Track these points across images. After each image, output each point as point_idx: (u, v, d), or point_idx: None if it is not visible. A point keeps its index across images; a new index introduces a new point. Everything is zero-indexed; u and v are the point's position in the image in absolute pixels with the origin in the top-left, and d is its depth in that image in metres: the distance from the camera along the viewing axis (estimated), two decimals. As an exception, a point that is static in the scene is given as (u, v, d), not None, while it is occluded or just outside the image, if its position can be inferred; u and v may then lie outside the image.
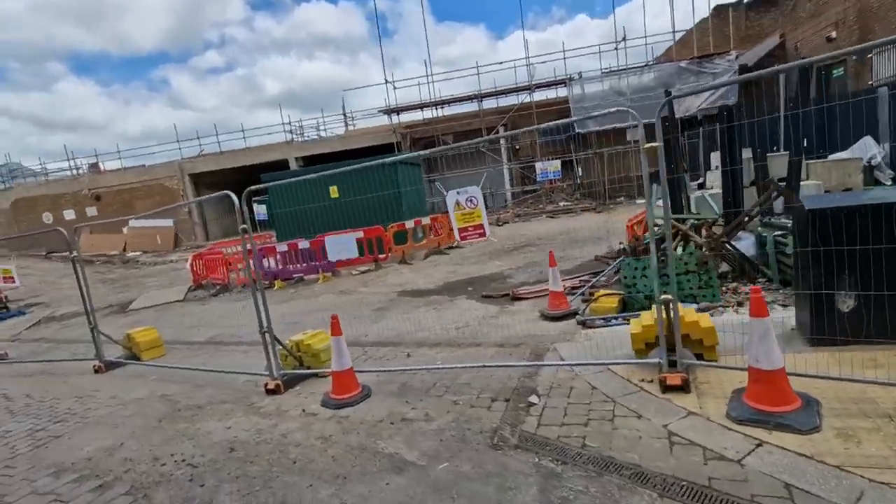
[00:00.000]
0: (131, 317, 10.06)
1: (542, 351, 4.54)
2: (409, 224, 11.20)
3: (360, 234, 10.80)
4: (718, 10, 21.87)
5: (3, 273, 6.39)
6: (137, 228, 22.49)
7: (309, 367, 4.70)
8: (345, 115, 22.02)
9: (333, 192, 12.13)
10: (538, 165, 16.75)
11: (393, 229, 11.02)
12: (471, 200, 3.36)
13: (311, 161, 21.08)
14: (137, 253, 21.98)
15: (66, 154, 31.04)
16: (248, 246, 4.54)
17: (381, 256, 10.97)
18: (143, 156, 24.89)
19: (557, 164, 16.70)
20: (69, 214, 23.39)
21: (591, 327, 5.00)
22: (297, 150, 21.47)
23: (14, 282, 6.41)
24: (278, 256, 10.71)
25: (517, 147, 19.22)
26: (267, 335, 4.46)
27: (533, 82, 18.64)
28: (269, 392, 4.40)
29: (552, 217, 16.40)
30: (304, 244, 10.52)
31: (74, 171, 25.55)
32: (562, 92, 19.02)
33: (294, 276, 10.74)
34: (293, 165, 21.13)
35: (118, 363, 6.24)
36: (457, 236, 3.69)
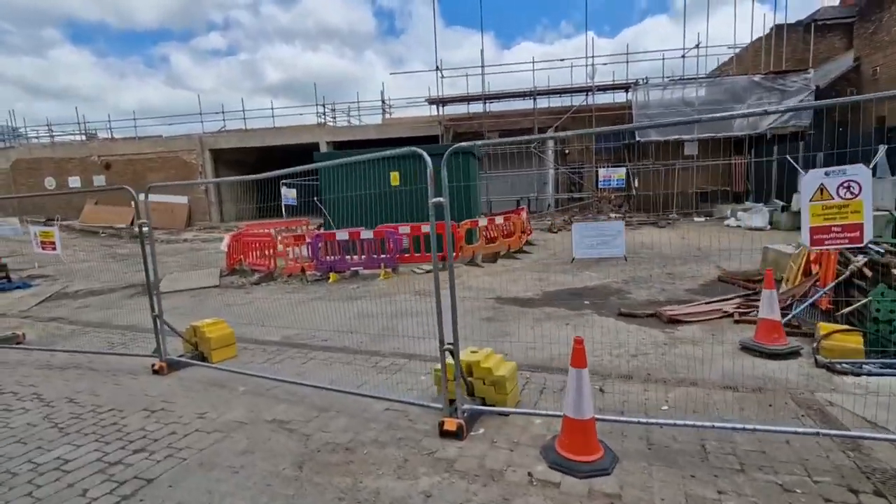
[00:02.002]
0: (165, 301, 8.65)
1: (813, 404, 3.33)
2: (483, 222, 9.97)
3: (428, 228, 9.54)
4: (778, 29, 21.07)
5: (42, 236, 5.02)
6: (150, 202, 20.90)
7: (485, 401, 3.45)
8: (383, 101, 20.72)
9: (395, 178, 10.85)
10: (602, 172, 15.63)
11: (466, 226, 9.78)
12: (848, 187, 2.14)
13: (342, 147, 19.74)
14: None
15: (77, 116, 29.29)
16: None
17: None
18: (155, 125, 23.32)
19: (622, 171, 15.60)
20: (74, 182, 21.77)
21: (842, 373, 3.82)
22: (329, 135, 20.12)
23: (55, 248, 5.04)
24: (335, 245, 9.40)
25: (566, 151, 18.10)
26: (447, 353, 3.20)
27: (594, 83, 17.55)
28: (446, 434, 3.13)
29: (609, 228, 15.26)
30: (367, 234, 9.23)
31: (82, 137, 23.89)
32: (619, 97, 18.00)
33: (351, 269, 9.43)
34: (323, 150, 19.76)
35: (183, 363, 4.91)
36: (805, 239, 2.46)
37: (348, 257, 9.34)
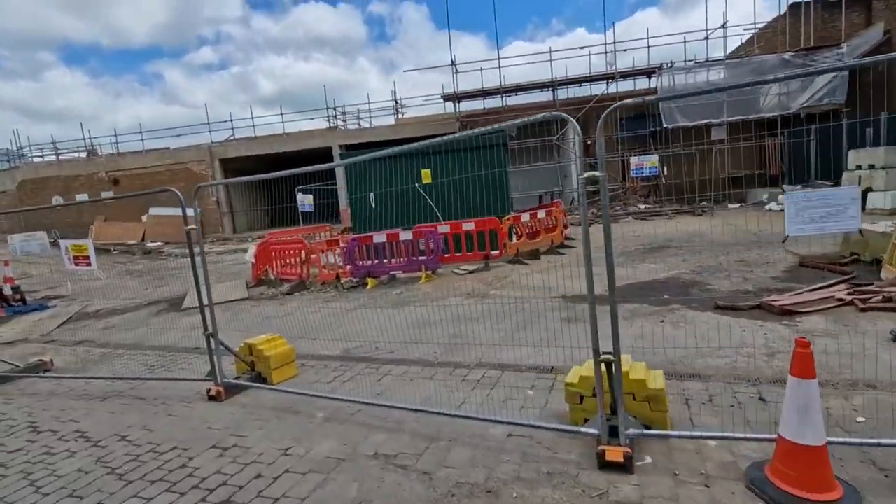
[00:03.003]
0: (195, 317, 8.06)
1: None
2: (525, 217, 9.36)
3: (472, 225, 8.95)
4: (793, 8, 20.44)
5: (74, 251, 4.43)
6: (158, 216, 20.41)
7: (636, 420, 2.82)
8: (396, 101, 20.14)
9: (426, 176, 10.25)
10: (633, 160, 15.02)
11: (508, 221, 9.17)
12: None
13: (356, 151, 19.17)
14: (158, 243, 19.87)
15: (82, 132, 28.84)
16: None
17: (494, 253, 9.11)
18: (164, 138, 22.83)
19: (655, 158, 14.98)
20: (82, 198, 21.24)
21: None
22: (342, 138, 19.55)
23: (89, 263, 4.45)
24: (372, 249, 8.80)
25: (589, 142, 17.47)
26: (607, 365, 2.59)
27: (616, 70, 16.93)
28: (609, 467, 2.50)
29: (643, 219, 14.63)
30: (405, 235, 8.63)
31: (87, 153, 23.39)
32: (641, 84, 17.37)
33: (390, 272, 8.83)
34: (335, 154, 19.22)
35: (241, 386, 4.30)
36: None
37: (386, 261, 8.73)
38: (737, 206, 15.68)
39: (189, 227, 4.21)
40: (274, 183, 18.15)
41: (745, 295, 5.80)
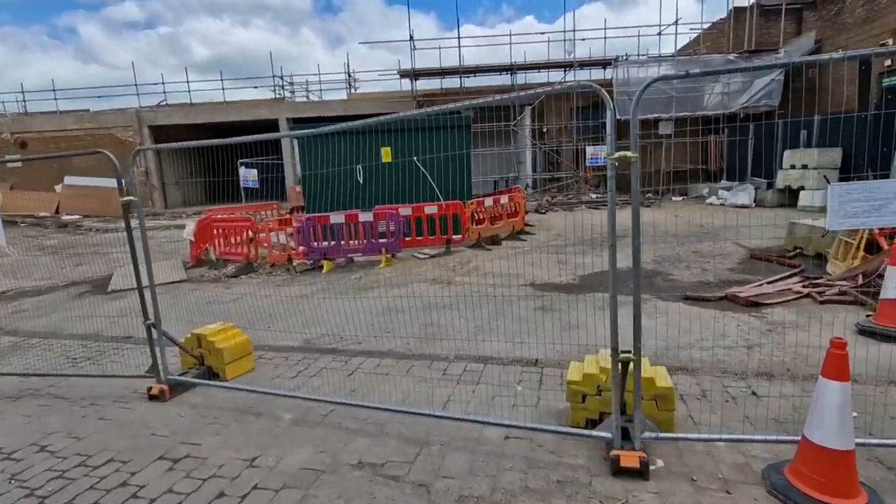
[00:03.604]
0: (124, 300, 7.19)
1: None
2: (488, 202, 9.15)
3: (434, 209, 8.62)
4: (738, 12, 21.50)
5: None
6: (76, 187, 18.31)
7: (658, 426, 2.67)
8: (349, 74, 19.10)
9: (386, 154, 9.74)
10: (589, 150, 15.18)
11: (472, 206, 8.92)
12: None
13: (305, 125, 18.09)
14: (76, 216, 17.85)
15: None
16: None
17: (457, 238, 8.85)
18: (83, 98, 20.45)
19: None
20: (-18, 162, 18.59)
21: None
22: (290, 110, 18.34)
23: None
24: (326, 230, 8.25)
25: (545, 129, 17.55)
26: (624, 364, 2.40)
27: (575, 59, 16.99)
28: (624, 473, 2.33)
29: (594, 208, 14.92)
30: (366, 216, 8.16)
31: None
32: (596, 74, 17.59)
33: (348, 255, 8.33)
34: (283, 127, 18.04)
35: (188, 383, 3.77)
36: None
37: (343, 242, 8.22)
38: (679, 199, 16.40)
39: (127, 197, 3.57)
40: (213, 155, 16.75)
41: (708, 286, 5.93)
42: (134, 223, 3.76)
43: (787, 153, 12.69)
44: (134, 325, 5.46)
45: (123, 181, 3.72)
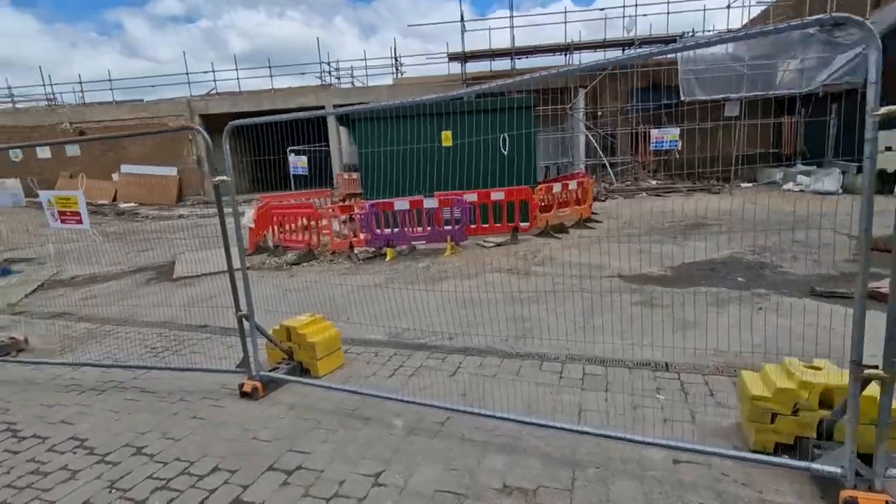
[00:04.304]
0: (192, 288, 7.09)
1: None
2: (557, 188, 8.59)
3: (502, 194, 8.14)
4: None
5: (60, 204, 3.42)
6: (132, 175, 18.76)
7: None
8: (395, 59, 18.71)
9: (446, 138, 9.29)
10: (654, 133, 14.30)
11: (540, 192, 8.38)
12: None
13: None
14: (132, 204, 18.31)
15: (42, 79, 26.31)
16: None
17: (524, 226, 8.34)
18: (134, 88, 20.89)
19: (676, 132, 14.29)
20: (44, 153, 19.33)
21: None
22: (337, 97, 18.14)
23: (80, 221, 3.45)
24: (391, 217, 7.91)
25: (599, 113, 16.67)
26: (864, 382, 1.88)
27: (636, 36, 15.99)
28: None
29: (657, 195, 14.06)
30: (431, 203, 7.76)
31: (46, 101, 21.25)
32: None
33: (412, 242, 7.98)
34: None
35: (280, 380, 3.46)
36: None
37: (407, 229, 7.86)
38: (748, 185, 15.28)
39: (219, 177, 3.27)
40: (261, 143, 16.78)
41: (833, 280, 5.23)
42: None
43: (882, 134, 11.46)
44: (208, 313, 5.28)
45: (206, 163, 3.40)
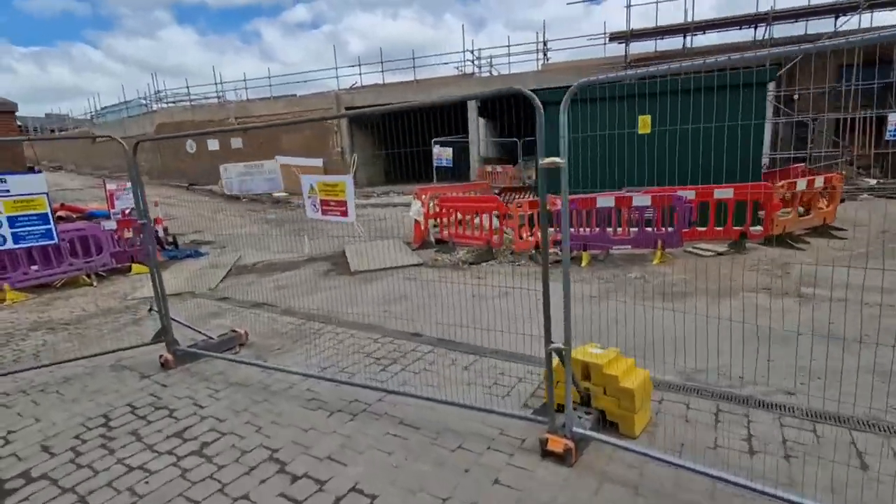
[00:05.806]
0: (377, 284, 6.66)
1: None
2: (801, 184, 6.81)
3: (729, 192, 6.61)
4: None
5: (323, 192, 2.83)
6: (285, 166, 19.91)
7: None
8: (544, 43, 17.55)
9: (643, 124, 7.93)
10: (892, 118, 11.50)
11: (783, 189, 6.69)
12: None
13: (492, 101, 17.05)
14: (285, 193, 19.45)
15: (214, 76, 29.35)
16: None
17: (756, 231, 6.73)
18: (287, 83, 22.13)
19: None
20: (213, 144, 21.36)
21: None
22: (479, 86, 17.48)
23: (346, 213, 2.86)
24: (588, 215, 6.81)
25: (795, 97, 13.87)
26: None
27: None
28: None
29: (878, 197, 11.19)
30: (641, 200, 6.51)
31: (216, 98, 23.50)
32: (882, 17, 13.31)
33: (614, 245, 6.81)
34: (472, 104, 17.25)
35: (586, 437, 2.55)
36: None
37: (610, 230, 6.71)
38: None
39: (550, 159, 2.42)
40: (403, 135, 16.68)
41: None
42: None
43: None
44: (411, 317, 4.66)
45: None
